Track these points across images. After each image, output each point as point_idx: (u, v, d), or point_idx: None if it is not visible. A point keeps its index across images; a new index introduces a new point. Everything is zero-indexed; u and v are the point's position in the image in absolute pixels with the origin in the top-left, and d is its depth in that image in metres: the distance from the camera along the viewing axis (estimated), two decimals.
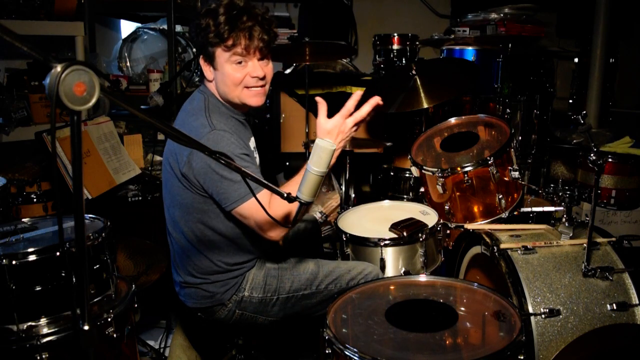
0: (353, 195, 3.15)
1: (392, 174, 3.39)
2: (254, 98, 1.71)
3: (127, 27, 3.77)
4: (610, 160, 2.95)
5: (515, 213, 2.22)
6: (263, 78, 1.69)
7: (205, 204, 1.68)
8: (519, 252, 1.75)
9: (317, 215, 2.45)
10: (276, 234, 1.63)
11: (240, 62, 1.65)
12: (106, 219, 1.62)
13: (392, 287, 1.60)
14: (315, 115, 3.29)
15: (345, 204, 2.97)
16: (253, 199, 1.50)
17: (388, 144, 3.25)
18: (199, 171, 1.60)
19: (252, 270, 1.81)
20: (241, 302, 1.78)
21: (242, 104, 1.73)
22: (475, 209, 2.23)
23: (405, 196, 3.31)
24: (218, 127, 1.63)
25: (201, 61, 1.71)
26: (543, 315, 1.61)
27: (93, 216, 1.67)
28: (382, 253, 1.99)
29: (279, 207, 1.53)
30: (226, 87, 1.69)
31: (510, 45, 3.32)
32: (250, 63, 1.66)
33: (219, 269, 1.75)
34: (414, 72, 2.64)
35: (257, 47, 1.64)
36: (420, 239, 2.02)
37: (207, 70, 1.71)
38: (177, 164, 1.65)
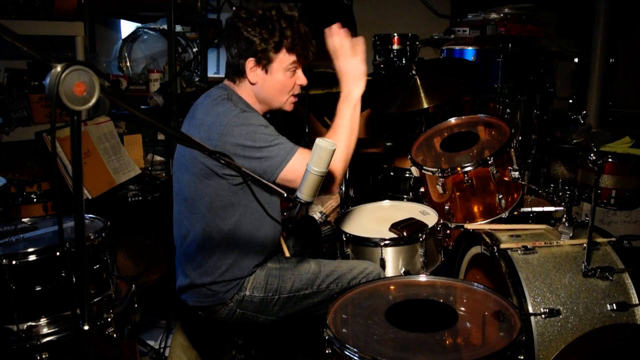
0: (353, 195, 3.15)
1: (392, 174, 3.39)
2: (292, 105, 1.82)
3: (127, 27, 3.76)
4: (610, 160, 2.95)
5: (515, 213, 2.22)
6: (304, 86, 1.80)
7: (230, 192, 1.69)
8: (519, 252, 1.75)
9: (317, 215, 2.46)
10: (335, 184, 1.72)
11: (294, 71, 1.74)
12: (106, 219, 1.62)
13: (392, 287, 1.60)
14: (315, 115, 3.30)
15: (345, 204, 2.97)
16: (293, 158, 1.61)
17: (388, 144, 3.25)
18: (235, 150, 1.61)
19: (256, 269, 1.81)
20: (242, 302, 1.78)
21: (277, 109, 1.81)
22: (475, 209, 2.23)
23: (405, 196, 3.31)
24: (246, 110, 1.69)
25: (249, 63, 1.70)
26: (543, 315, 1.61)
27: (93, 216, 1.67)
28: (382, 253, 1.99)
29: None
30: (275, 91, 1.75)
31: (510, 45, 3.32)
32: (298, 72, 1.76)
33: (227, 267, 1.75)
34: (414, 72, 2.64)
35: (309, 59, 1.75)
36: (420, 239, 2.02)
37: (254, 73, 1.73)
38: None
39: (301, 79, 1.77)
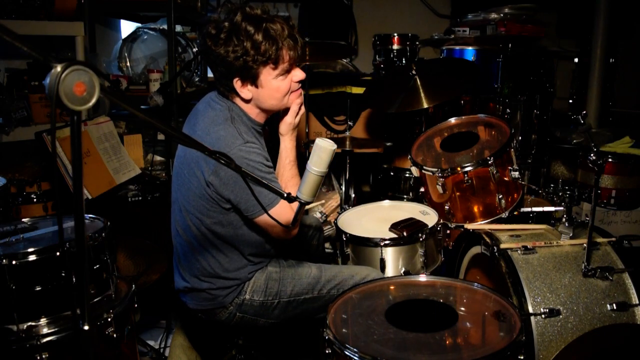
0: (353, 195, 3.15)
1: (392, 174, 3.39)
2: (299, 98, 1.77)
3: (127, 27, 3.76)
4: (610, 160, 2.95)
5: (515, 213, 2.21)
6: (302, 80, 1.73)
7: (221, 214, 1.68)
8: (519, 252, 1.75)
9: (317, 215, 2.45)
10: (297, 231, 1.71)
11: (287, 72, 1.67)
12: (106, 219, 1.62)
13: (392, 287, 1.60)
14: (315, 115, 3.31)
15: (345, 204, 2.97)
16: (280, 203, 1.58)
17: (388, 144, 3.25)
18: (227, 180, 1.58)
19: (254, 273, 1.81)
20: (242, 305, 1.78)
21: (283, 110, 1.78)
22: (475, 209, 2.23)
23: (405, 196, 3.31)
24: (249, 140, 1.63)
25: (237, 83, 1.64)
26: (543, 315, 1.61)
27: (93, 216, 1.67)
28: (382, 253, 1.99)
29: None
30: (274, 100, 1.70)
31: (510, 45, 3.32)
32: (292, 70, 1.69)
33: (226, 275, 1.75)
34: (414, 72, 2.64)
35: (298, 55, 1.66)
36: (420, 239, 2.02)
37: (245, 91, 1.66)
38: (201, 172, 1.63)
39: (297, 75, 1.69)
